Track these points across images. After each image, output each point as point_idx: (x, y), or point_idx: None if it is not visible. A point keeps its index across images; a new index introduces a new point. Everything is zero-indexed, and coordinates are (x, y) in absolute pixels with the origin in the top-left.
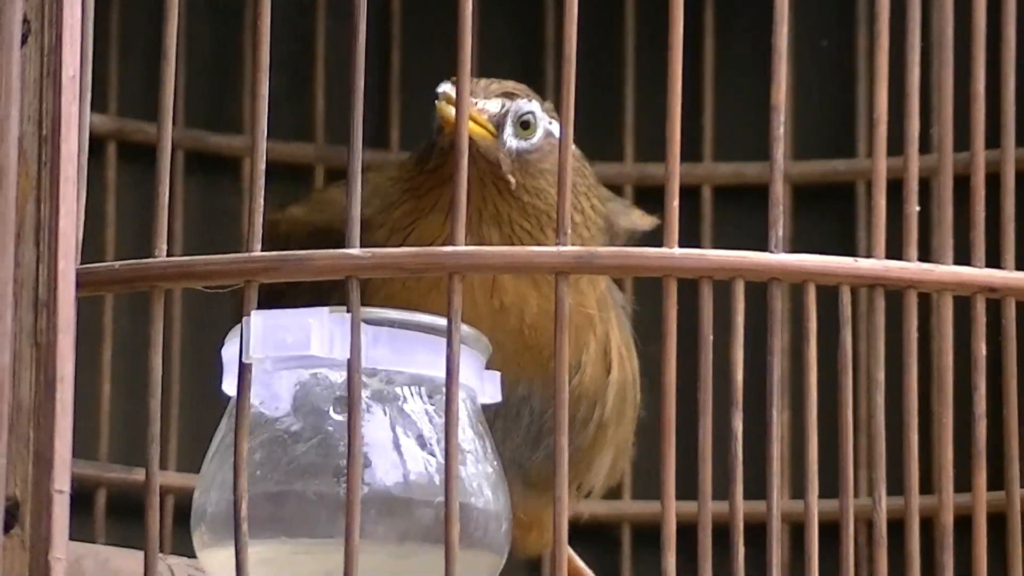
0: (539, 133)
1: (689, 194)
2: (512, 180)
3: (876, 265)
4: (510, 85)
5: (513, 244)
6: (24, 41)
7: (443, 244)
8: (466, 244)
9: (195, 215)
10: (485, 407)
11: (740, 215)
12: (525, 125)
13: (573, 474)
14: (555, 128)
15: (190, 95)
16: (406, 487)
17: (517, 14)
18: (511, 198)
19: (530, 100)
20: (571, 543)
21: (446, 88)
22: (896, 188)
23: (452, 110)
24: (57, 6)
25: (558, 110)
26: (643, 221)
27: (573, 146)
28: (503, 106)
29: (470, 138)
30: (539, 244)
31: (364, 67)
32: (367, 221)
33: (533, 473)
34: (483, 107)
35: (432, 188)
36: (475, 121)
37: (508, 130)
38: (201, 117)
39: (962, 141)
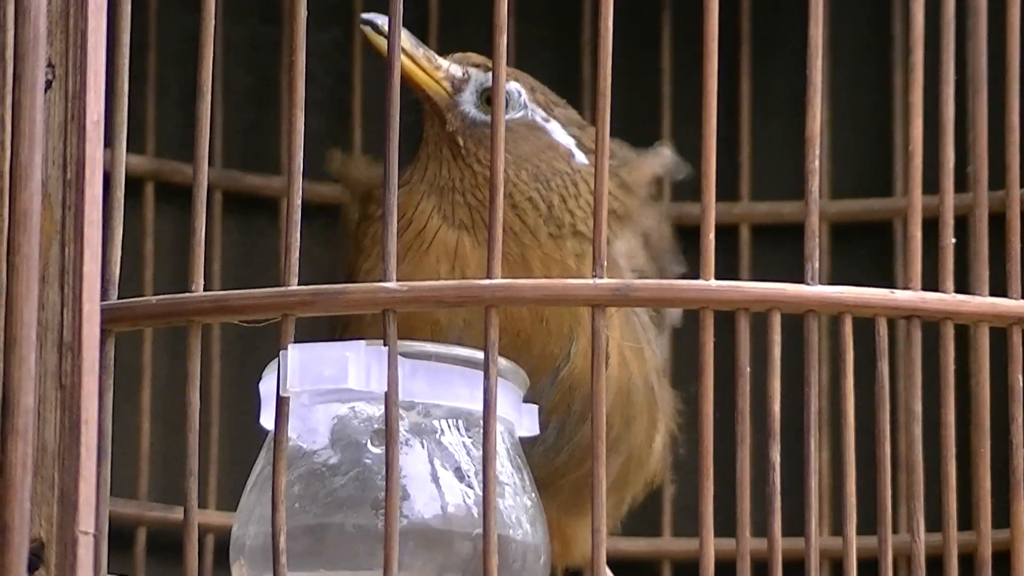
0: (513, 114)
1: (726, 233)
2: (460, 142)
3: (913, 296)
4: (483, 59)
5: (470, 213)
6: (48, 86)
7: (428, 244)
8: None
9: (233, 256)
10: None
11: (778, 254)
12: (490, 100)
13: (577, 474)
14: (550, 126)
15: (227, 134)
16: (444, 519)
17: (553, 53)
18: (463, 164)
19: (508, 81)
20: None
21: (372, 17)
22: (932, 225)
23: (381, 40)
24: (82, 51)
25: (596, 149)
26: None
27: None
28: (465, 73)
29: (424, 90)
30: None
31: (400, 105)
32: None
33: (535, 469)
34: (441, 64)
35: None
36: (428, 74)
37: (467, 96)
38: (239, 157)
39: (997, 177)
